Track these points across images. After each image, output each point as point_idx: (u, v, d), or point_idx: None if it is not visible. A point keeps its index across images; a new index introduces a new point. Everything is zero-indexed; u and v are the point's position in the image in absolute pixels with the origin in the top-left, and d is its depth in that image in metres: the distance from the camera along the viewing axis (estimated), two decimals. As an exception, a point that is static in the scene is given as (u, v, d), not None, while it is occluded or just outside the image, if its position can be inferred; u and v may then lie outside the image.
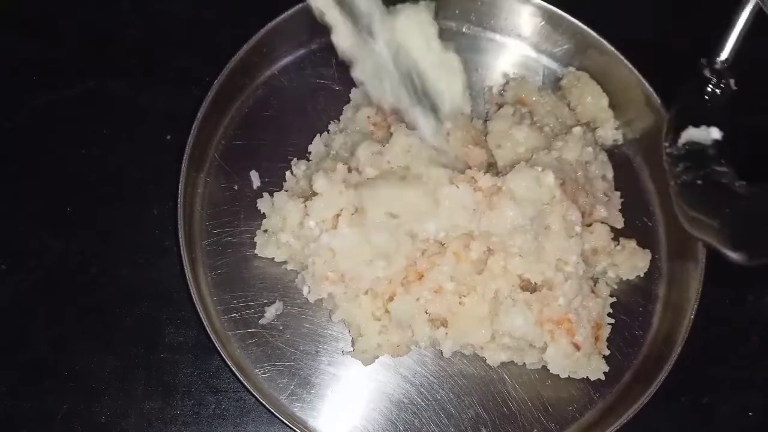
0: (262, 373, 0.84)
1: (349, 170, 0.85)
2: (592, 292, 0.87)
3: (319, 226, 0.83)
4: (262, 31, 0.91)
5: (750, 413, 0.92)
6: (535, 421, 0.85)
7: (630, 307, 0.91)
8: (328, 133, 0.94)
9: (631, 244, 0.91)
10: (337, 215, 0.82)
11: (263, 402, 0.80)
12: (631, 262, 0.91)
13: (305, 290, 0.86)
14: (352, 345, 0.84)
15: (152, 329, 0.88)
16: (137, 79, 0.98)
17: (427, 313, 0.84)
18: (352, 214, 0.82)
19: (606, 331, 0.87)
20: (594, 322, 0.86)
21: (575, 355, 0.83)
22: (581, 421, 0.86)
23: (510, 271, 0.83)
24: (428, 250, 0.84)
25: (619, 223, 0.93)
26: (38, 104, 0.95)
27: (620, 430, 0.81)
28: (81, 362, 0.86)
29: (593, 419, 0.86)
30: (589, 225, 0.90)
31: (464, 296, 0.83)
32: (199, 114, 0.87)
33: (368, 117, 0.91)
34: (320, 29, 0.95)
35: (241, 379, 0.80)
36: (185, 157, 0.85)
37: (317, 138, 0.93)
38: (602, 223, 0.91)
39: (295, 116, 0.94)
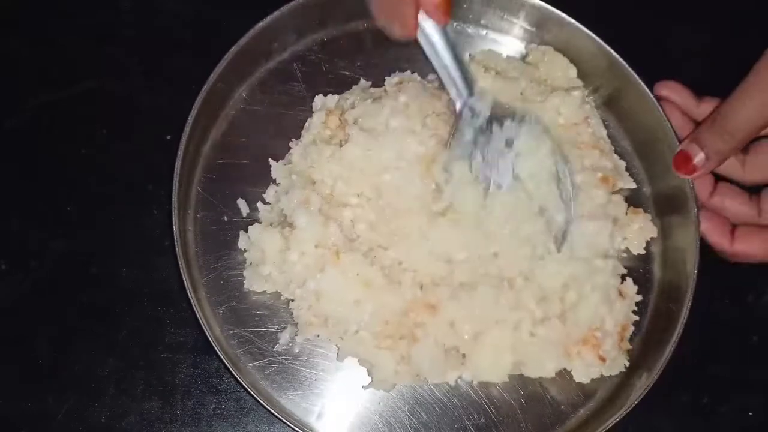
0: (261, 373, 0.84)
1: (313, 182, 0.85)
2: (620, 294, 0.86)
3: (301, 261, 0.82)
4: (228, 56, 0.88)
5: (750, 413, 0.92)
6: (535, 416, 0.85)
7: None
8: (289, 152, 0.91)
9: (640, 213, 0.90)
10: (322, 254, 0.82)
11: (263, 402, 0.80)
12: (642, 233, 0.90)
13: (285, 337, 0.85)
14: (368, 374, 0.84)
15: (152, 329, 0.88)
16: (137, 79, 0.98)
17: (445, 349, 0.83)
18: (338, 252, 0.82)
19: (630, 330, 0.86)
20: (620, 325, 0.85)
21: (600, 365, 0.83)
22: (579, 415, 0.85)
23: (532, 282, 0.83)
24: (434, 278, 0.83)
25: (631, 183, 0.92)
26: (38, 104, 0.95)
27: (620, 429, 0.81)
28: (81, 362, 0.86)
29: (590, 414, 0.85)
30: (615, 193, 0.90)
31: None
32: (179, 153, 0.85)
33: (323, 122, 0.89)
34: (283, 41, 0.94)
35: (240, 379, 0.80)
36: (174, 198, 0.83)
37: (275, 165, 0.90)
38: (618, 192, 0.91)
39: (270, 137, 0.93)
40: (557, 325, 0.83)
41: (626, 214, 0.90)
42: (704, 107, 0.91)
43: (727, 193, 0.88)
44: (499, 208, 0.84)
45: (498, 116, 0.85)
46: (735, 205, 0.87)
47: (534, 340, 0.83)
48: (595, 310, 0.83)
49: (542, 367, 0.83)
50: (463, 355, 0.83)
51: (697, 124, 0.92)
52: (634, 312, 0.87)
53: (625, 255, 0.91)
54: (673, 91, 0.92)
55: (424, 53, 0.80)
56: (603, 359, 0.83)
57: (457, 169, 0.84)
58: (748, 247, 0.85)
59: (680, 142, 0.88)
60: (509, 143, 0.85)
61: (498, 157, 0.85)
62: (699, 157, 0.84)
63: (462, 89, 0.83)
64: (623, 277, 0.88)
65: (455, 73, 0.81)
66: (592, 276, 0.84)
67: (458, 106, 0.84)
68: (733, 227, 0.87)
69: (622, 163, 0.94)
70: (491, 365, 0.83)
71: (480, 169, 0.85)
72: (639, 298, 0.88)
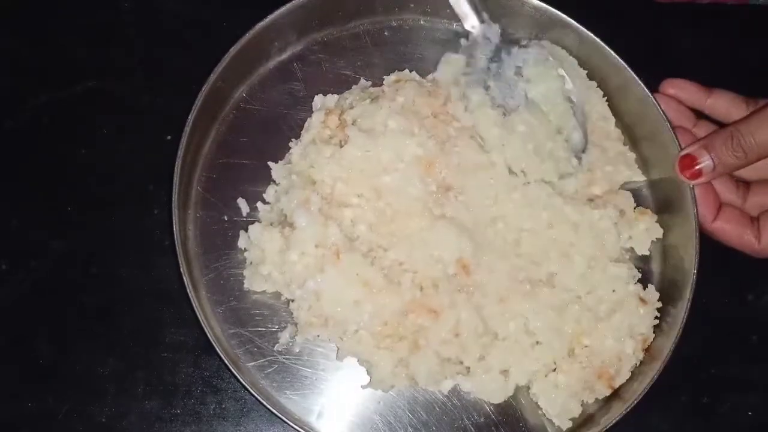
0: (261, 373, 0.84)
1: (313, 182, 0.85)
2: (641, 300, 0.85)
3: (301, 261, 0.82)
4: (227, 56, 0.88)
5: (750, 413, 0.92)
6: (535, 415, 0.85)
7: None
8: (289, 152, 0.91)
9: (647, 214, 0.90)
10: (322, 254, 0.82)
11: (263, 401, 0.80)
12: (648, 234, 0.89)
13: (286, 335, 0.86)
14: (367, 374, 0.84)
15: (152, 329, 0.88)
16: (137, 79, 0.98)
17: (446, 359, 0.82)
18: (338, 252, 0.81)
19: (651, 339, 0.85)
20: (642, 338, 0.84)
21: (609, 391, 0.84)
22: (578, 415, 0.85)
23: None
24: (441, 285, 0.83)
25: (640, 176, 0.93)
26: (38, 104, 0.95)
27: (620, 429, 0.81)
28: (81, 362, 0.86)
29: (590, 413, 0.85)
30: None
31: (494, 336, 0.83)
32: (180, 152, 0.84)
33: (322, 122, 0.89)
34: (283, 41, 0.94)
35: (240, 378, 0.80)
36: (174, 197, 0.83)
37: (274, 166, 0.90)
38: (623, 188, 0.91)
39: (270, 137, 0.93)
40: (575, 369, 0.83)
41: (634, 210, 0.90)
42: (713, 100, 0.92)
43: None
44: (521, 127, 0.87)
45: (506, 44, 0.91)
46: (722, 190, 0.89)
47: (553, 389, 0.83)
48: (613, 347, 0.83)
49: (565, 415, 0.83)
50: (468, 369, 0.83)
51: (703, 117, 0.92)
52: (656, 317, 0.86)
53: (628, 255, 0.91)
54: (680, 89, 0.92)
55: None
56: (613, 388, 0.83)
57: (475, 94, 0.88)
58: (726, 229, 0.87)
59: (676, 136, 0.88)
60: (518, 70, 0.90)
61: (510, 84, 0.90)
62: (706, 165, 0.84)
63: (474, 16, 0.90)
64: (644, 285, 0.87)
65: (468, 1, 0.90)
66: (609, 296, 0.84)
67: (474, 33, 0.90)
68: (721, 206, 0.88)
69: (632, 155, 0.93)
70: (496, 388, 0.83)
71: (494, 95, 0.89)
72: (659, 304, 0.86)
